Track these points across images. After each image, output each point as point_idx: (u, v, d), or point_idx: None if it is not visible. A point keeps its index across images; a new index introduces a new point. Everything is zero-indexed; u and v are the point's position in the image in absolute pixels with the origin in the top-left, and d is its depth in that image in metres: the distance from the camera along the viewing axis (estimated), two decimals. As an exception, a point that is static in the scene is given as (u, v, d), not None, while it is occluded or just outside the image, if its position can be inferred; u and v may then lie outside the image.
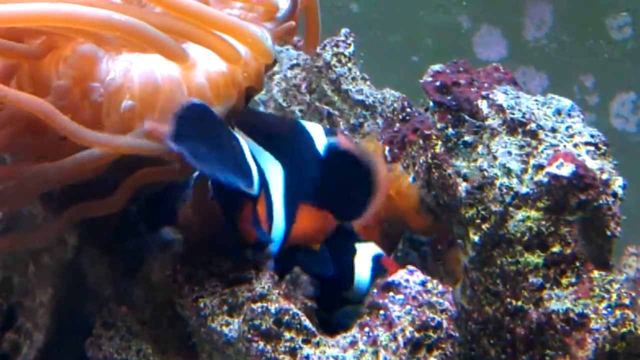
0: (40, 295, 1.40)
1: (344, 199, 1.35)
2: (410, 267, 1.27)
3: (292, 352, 1.20)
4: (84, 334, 1.35)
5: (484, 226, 1.34)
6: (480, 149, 1.39)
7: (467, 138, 1.41)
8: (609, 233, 1.34)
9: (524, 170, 1.34)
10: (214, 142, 1.18)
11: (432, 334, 1.21)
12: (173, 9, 1.16)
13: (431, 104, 1.47)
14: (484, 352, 1.36)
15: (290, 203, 1.30)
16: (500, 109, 1.40)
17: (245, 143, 1.27)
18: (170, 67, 1.19)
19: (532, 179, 1.32)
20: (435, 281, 1.26)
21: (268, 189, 1.28)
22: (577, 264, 1.31)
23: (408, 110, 1.54)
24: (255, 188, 1.22)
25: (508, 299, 1.33)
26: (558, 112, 1.41)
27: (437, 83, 1.46)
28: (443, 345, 1.20)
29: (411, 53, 3.86)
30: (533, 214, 1.32)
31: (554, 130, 1.37)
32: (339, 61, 1.79)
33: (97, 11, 1.11)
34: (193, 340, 1.31)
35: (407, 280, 1.25)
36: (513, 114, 1.38)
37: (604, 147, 1.36)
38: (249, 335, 1.20)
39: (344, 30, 1.83)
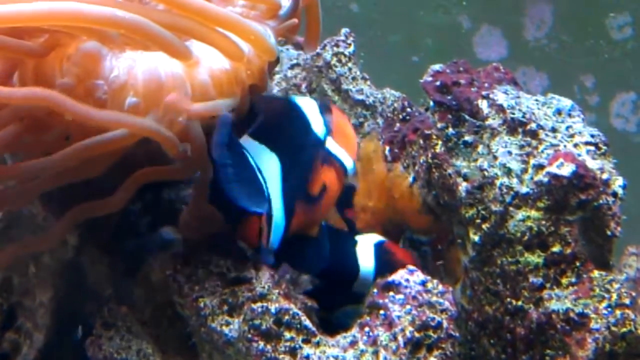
0: (41, 295, 1.40)
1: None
2: (411, 267, 1.27)
3: (292, 351, 1.20)
4: (84, 333, 1.35)
5: (484, 226, 1.34)
6: (480, 148, 1.39)
7: (467, 138, 1.41)
8: (609, 233, 1.34)
9: (524, 170, 1.34)
10: (235, 160, 1.21)
11: (432, 334, 1.21)
12: (176, 6, 1.16)
13: (431, 103, 1.47)
14: (484, 351, 1.36)
15: (289, 195, 1.30)
16: (500, 108, 1.40)
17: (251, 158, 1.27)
18: (174, 64, 1.19)
19: (532, 178, 1.32)
20: (435, 281, 1.26)
21: (267, 191, 1.28)
22: (577, 263, 1.31)
23: (408, 110, 1.54)
24: (265, 206, 1.24)
25: (508, 299, 1.33)
26: (558, 112, 1.41)
27: (437, 83, 1.46)
28: (443, 345, 1.20)
29: (411, 53, 3.86)
30: (533, 213, 1.32)
31: (554, 130, 1.37)
32: (339, 61, 1.79)
33: (101, 9, 1.11)
34: (193, 340, 1.31)
35: (407, 280, 1.25)
36: (513, 113, 1.38)
37: (604, 147, 1.36)
38: (249, 335, 1.20)
39: (344, 30, 1.83)
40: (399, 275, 1.25)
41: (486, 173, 1.35)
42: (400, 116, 1.55)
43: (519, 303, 1.33)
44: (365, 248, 1.43)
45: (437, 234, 1.46)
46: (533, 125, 1.37)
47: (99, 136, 1.16)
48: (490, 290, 1.35)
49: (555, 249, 1.32)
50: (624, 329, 1.26)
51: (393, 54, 3.83)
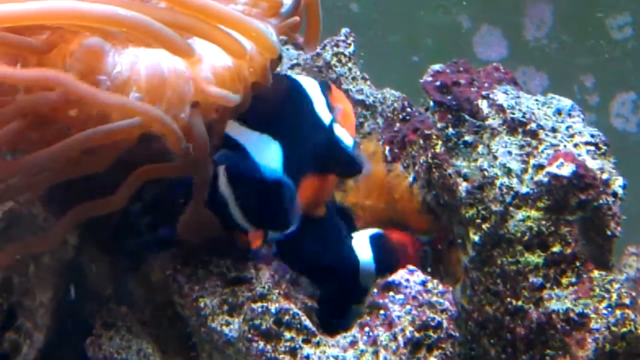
0: (41, 295, 1.40)
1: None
2: (411, 267, 1.27)
3: (292, 351, 1.20)
4: (84, 333, 1.35)
5: (484, 226, 1.34)
6: (480, 148, 1.39)
7: (467, 138, 1.41)
8: (609, 233, 1.34)
9: (524, 170, 1.34)
10: None
11: (432, 334, 1.21)
12: (178, 4, 1.16)
13: (431, 103, 1.47)
14: (484, 351, 1.36)
15: (292, 179, 1.31)
16: (500, 108, 1.40)
17: None
18: (177, 60, 1.19)
19: (532, 178, 1.32)
20: (435, 281, 1.26)
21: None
22: (577, 263, 1.31)
23: (408, 110, 1.54)
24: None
25: (508, 299, 1.33)
26: (558, 111, 1.41)
27: (438, 83, 1.46)
28: (443, 345, 1.20)
29: (411, 53, 3.86)
30: (533, 213, 1.32)
31: (554, 130, 1.37)
32: (339, 61, 1.78)
33: (103, 7, 1.11)
34: (193, 340, 1.31)
35: (407, 280, 1.25)
36: (513, 113, 1.38)
37: (604, 147, 1.36)
38: (249, 335, 1.20)
39: (344, 30, 1.83)
40: (399, 275, 1.25)
41: (486, 173, 1.35)
42: (400, 116, 1.55)
43: (519, 303, 1.33)
44: (361, 241, 1.43)
45: (437, 234, 1.46)
46: (533, 125, 1.37)
47: (105, 125, 1.16)
48: (490, 290, 1.35)
49: (556, 249, 1.32)
50: (624, 329, 1.26)
51: (393, 54, 3.82)
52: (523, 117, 1.38)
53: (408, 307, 1.22)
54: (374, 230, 1.45)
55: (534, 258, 1.32)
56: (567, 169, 1.31)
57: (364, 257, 1.41)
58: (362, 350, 1.21)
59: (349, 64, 1.79)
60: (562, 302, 1.30)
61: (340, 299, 1.40)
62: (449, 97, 1.45)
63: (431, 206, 1.45)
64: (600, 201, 1.32)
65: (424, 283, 1.25)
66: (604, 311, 1.27)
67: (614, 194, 1.33)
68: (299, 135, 1.34)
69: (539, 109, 1.40)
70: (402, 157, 1.50)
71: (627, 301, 1.28)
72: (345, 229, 1.45)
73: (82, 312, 1.42)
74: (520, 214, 1.32)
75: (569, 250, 1.31)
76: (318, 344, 1.21)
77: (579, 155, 1.33)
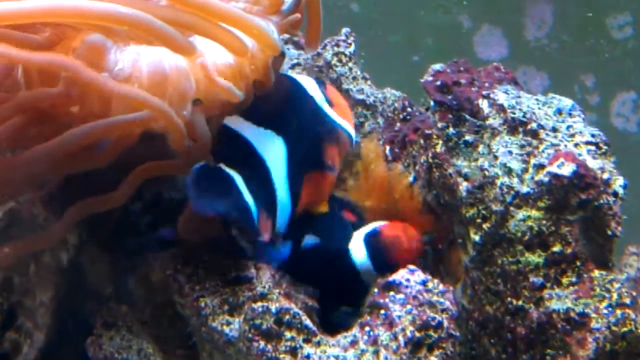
0: (41, 294, 1.40)
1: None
2: (411, 267, 1.27)
3: (293, 351, 1.20)
4: (85, 333, 1.35)
5: (484, 225, 1.34)
6: (481, 148, 1.39)
7: (467, 137, 1.41)
8: (609, 232, 1.34)
9: (525, 170, 1.34)
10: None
11: (432, 334, 1.21)
12: (179, 1, 1.16)
13: (432, 103, 1.47)
14: (485, 351, 1.36)
15: (295, 177, 1.32)
16: (501, 108, 1.40)
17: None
18: (178, 58, 1.19)
19: (532, 178, 1.32)
20: (436, 280, 1.26)
21: (270, 175, 1.29)
22: (578, 263, 1.31)
23: (409, 109, 1.54)
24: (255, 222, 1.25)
25: (509, 299, 1.33)
26: (559, 111, 1.41)
27: (438, 82, 1.46)
28: (444, 345, 1.20)
29: (412, 52, 3.86)
30: (534, 213, 1.32)
31: (554, 129, 1.37)
32: (340, 61, 1.78)
33: (105, 5, 1.11)
34: (194, 339, 1.31)
35: (407, 280, 1.25)
36: (514, 113, 1.38)
37: (605, 147, 1.36)
38: (250, 335, 1.20)
39: (344, 30, 1.82)
40: (400, 275, 1.25)
41: (487, 173, 1.35)
42: (401, 116, 1.54)
43: (520, 303, 1.32)
44: (355, 240, 1.42)
45: (437, 233, 1.46)
46: (534, 125, 1.37)
47: (109, 118, 1.16)
48: (490, 290, 1.35)
49: (556, 248, 1.31)
50: (625, 329, 1.26)
51: (393, 54, 3.82)
52: (524, 116, 1.38)
53: (409, 306, 1.22)
54: (369, 229, 1.45)
55: (535, 258, 1.32)
56: (567, 169, 1.31)
57: (358, 257, 1.41)
58: (362, 350, 1.21)
59: (350, 64, 1.79)
60: (562, 302, 1.30)
61: (339, 296, 1.40)
62: (449, 97, 1.45)
63: (432, 206, 1.44)
64: (601, 201, 1.32)
65: (424, 283, 1.25)
66: (605, 311, 1.27)
67: (615, 194, 1.33)
68: (302, 131, 1.35)
69: (539, 108, 1.40)
70: (403, 157, 1.50)
71: (627, 301, 1.28)
72: (351, 225, 1.45)
73: (83, 312, 1.42)
74: (520, 214, 1.32)
75: (569, 250, 1.31)
76: (319, 344, 1.21)
77: (580, 155, 1.33)
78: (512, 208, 1.32)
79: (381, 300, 1.24)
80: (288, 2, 1.29)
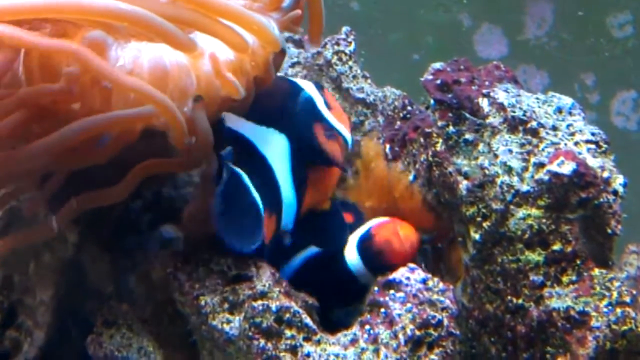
0: (41, 293, 1.40)
1: None
2: (411, 265, 1.27)
3: (293, 349, 1.20)
4: (85, 331, 1.35)
5: (484, 224, 1.34)
6: (481, 147, 1.39)
7: (468, 136, 1.41)
8: (609, 231, 1.34)
9: (525, 169, 1.34)
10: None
11: (432, 332, 1.21)
12: (180, -3, 1.17)
13: (432, 102, 1.47)
14: (485, 349, 1.36)
15: (299, 174, 1.32)
16: (501, 107, 1.40)
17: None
18: (179, 54, 1.19)
19: (532, 177, 1.32)
20: (436, 279, 1.26)
21: (273, 173, 1.29)
22: (578, 262, 1.31)
23: (409, 108, 1.54)
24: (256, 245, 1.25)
25: (509, 297, 1.33)
26: (559, 110, 1.41)
27: (438, 81, 1.46)
28: (444, 343, 1.21)
29: (412, 51, 3.86)
30: (534, 212, 1.32)
31: (554, 128, 1.37)
32: (340, 59, 1.78)
33: (105, 2, 1.11)
34: (194, 337, 1.31)
35: (408, 278, 1.25)
36: (514, 112, 1.38)
37: (605, 145, 1.36)
38: (250, 333, 1.20)
39: (344, 29, 1.82)
40: (400, 273, 1.25)
41: (487, 171, 1.35)
42: (401, 114, 1.54)
43: (520, 301, 1.33)
44: (349, 245, 1.42)
45: (437, 232, 1.46)
46: (534, 124, 1.37)
47: (111, 112, 1.16)
48: (490, 289, 1.35)
49: (556, 247, 1.32)
50: (625, 327, 1.26)
51: (394, 52, 3.82)
52: (524, 115, 1.38)
53: (409, 305, 1.22)
54: (363, 230, 1.45)
55: (535, 256, 1.32)
56: (567, 167, 1.31)
57: (352, 262, 1.41)
58: (362, 348, 1.21)
59: (350, 63, 1.79)
60: (562, 300, 1.30)
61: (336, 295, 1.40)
62: (449, 96, 1.45)
63: (432, 205, 1.45)
64: (601, 199, 1.32)
65: (424, 281, 1.25)
66: (605, 309, 1.27)
67: (615, 192, 1.33)
68: (304, 128, 1.35)
69: (539, 107, 1.40)
70: (403, 156, 1.50)
71: (627, 299, 1.28)
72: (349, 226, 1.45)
73: (83, 310, 1.42)
74: (520, 212, 1.32)
75: (569, 249, 1.31)
76: (319, 342, 1.21)
77: (580, 153, 1.33)
78: (512, 206, 1.32)
79: (381, 299, 1.24)
80: (288, -2, 1.29)
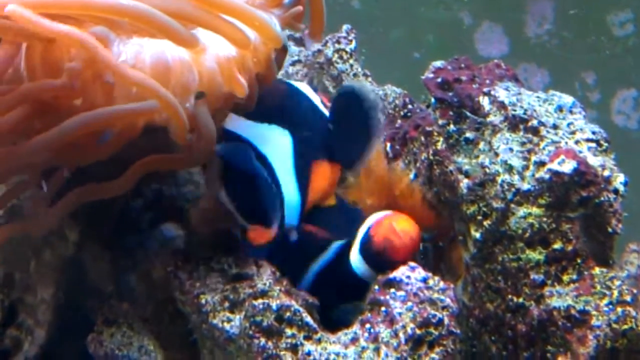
0: (42, 291, 1.40)
1: (349, 144, 1.38)
2: (412, 264, 1.27)
3: (294, 348, 1.20)
4: (86, 330, 1.35)
5: (485, 223, 1.34)
6: (481, 145, 1.39)
7: (468, 135, 1.41)
8: (610, 230, 1.34)
9: (526, 167, 1.34)
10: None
11: (433, 331, 1.21)
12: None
13: (433, 100, 1.47)
14: (485, 348, 1.36)
15: (302, 170, 1.33)
16: (501, 105, 1.39)
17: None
18: (181, 50, 1.19)
19: (533, 175, 1.32)
20: (436, 278, 1.26)
21: (273, 171, 1.29)
22: (579, 260, 1.31)
23: (409, 106, 1.54)
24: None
25: (509, 296, 1.33)
26: (559, 108, 1.41)
27: (439, 79, 1.46)
28: (444, 342, 1.21)
29: (412, 49, 3.86)
30: (534, 210, 1.32)
31: (555, 126, 1.37)
32: (341, 57, 1.78)
33: None
34: (194, 336, 1.31)
35: (408, 277, 1.25)
36: (514, 110, 1.38)
37: (606, 144, 1.36)
38: (251, 332, 1.20)
39: (345, 27, 1.83)
40: (400, 272, 1.25)
41: (487, 170, 1.35)
42: (402, 113, 1.54)
43: (520, 300, 1.33)
44: (352, 251, 1.42)
45: (438, 230, 1.46)
46: (534, 122, 1.37)
47: (113, 106, 1.15)
48: (491, 287, 1.35)
49: (557, 245, 1.31)
50: (625, 326, 1.26)
51: (394, 51, 3.82)
52: (524, 113, 1.38)
53: (409, 303, 1.22)
54: (363, 232, 1.44)
55: (535, 255, 1.32)
56: (568, 166, 1.31)
57: (358, 267, 1.41)
58: (363, 347, 1.21)
59: (351, 61, 1.79)
60: (563, 299, 1.30)
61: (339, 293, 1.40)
62: (450, 94, 1.44)
63: (432, 203, 1.44)
64: (602, 198, 1.32)
65: (425, 280, 1.25)
66: (605, 308, 1.27)
67: (615, 191, 1.33)
68: (305, 124, 1.36)
69: (540, 105, 1.40)
70: (404, 154, 1.50)
71: (628, 298, 1.28)
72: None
73: (84, 309, 1.42)
74: (521, 211, 1.32)
75: (570, 247, 1.31)
76: (319, 341, 1.21)
77: (580, 152, 1.33)
78: (512, 205, 1.32)
79: (382, 298, 1.24)
80: (290, -5, 1.29)
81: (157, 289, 1.36)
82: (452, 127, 1.42)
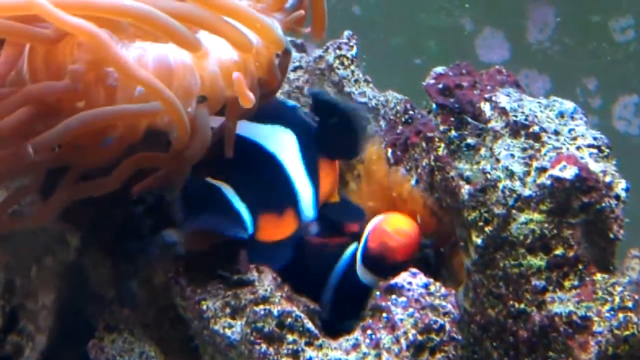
0: (43, 297, 1.40)
1: (340, 139, 1.42)
2: (413, 270, 1.27)
3: (295, 354, 1.20)
4: (87, 336, 1.35)
5: (486, 229, 1.34)
6: (483, 151, 1.39)
7: (469, 140, 1.41)
8: (611, 236, 1.33)
9: (527, 173, 1.34)
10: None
11: (434, 337, 1.21)
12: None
13: (434, 106, 1.47)
14: (487, 354, 1.36)
15: (310, 164, 1.34)
16: (503, 111, 1.39)
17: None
18: (183, 53, 1.19)
19: (535, 181, 1.32)
20: (437, 284, 1.26)
21: (284, 169, 1.30)
22: (580, 266, 1.31)
23: (411, 112, 1.54)
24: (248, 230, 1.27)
25: (511, 302, 1.33)
26: (561, 114, 1.41)
27: (440, 85, 1.46)
28: (446, 348, 1.20)
29: (414, 55, 3.86)
30: (536, 216, 1.31)
31: (556, 132, 1.37)
32: (342, 63, 1.78)
33: None
34: (195, 342, 1.31)
35: (409, 283, 1.25)
36: (516, 116, 1.38)
37: (607, 150, 1.36)
38: (252, 338, 1.20)
39: (346, 33, 1.82)
40: (402, 278, 1.25)
41: (489, 176, 1.35)
42: (403, 119, 1.54)
43: (522, 306, 1.32)
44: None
45: (439, 236, 1.46)
46: (536, 128, 1.37)
47: (115, 106, 1.15)
48: (492, 293, 1.35)
49: (558, 251, 1.31)
50: (627, 332, 1.26)
51: (395, 57, 3.83)
52: (526, 119, 1.38)
53: (411, 310, 1.22)
54: (362, 243, 1.44)
55: (537, 261, 1.32)
56: (569, 172, 1.31)
57: (363, 277, 1.40)
58: (364, 353, 1.21)
59: (352, 67, 1.79)
60: (564, 305, 1.29)
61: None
62: (451, 100, 1.45)
63: (433, 209, 1.44)
64: (603, 204, 1.32)
65: (426, 286, 1.25)
66: (607, 314, 1.27)
67: (617, 197, 1.33)
68: (303, 125, 1.37)
69: (541, 111, 1.40)
70: (405, 160, 1.50)
71: (629, 304, 1.27)
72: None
73: (85, 315, 1.42)
74: (522, 217, 1.32)
75: (571, 253, 1.31)
76: (320, 347, 1.21)
77: (582, 158, 1.33)
78: (514, 211, 1.32)
79: (383, 304, 1.24)
80: (291, -1, 1.29)
81: (158, 295, 1.36)
82: (453, 133, 1.42)
